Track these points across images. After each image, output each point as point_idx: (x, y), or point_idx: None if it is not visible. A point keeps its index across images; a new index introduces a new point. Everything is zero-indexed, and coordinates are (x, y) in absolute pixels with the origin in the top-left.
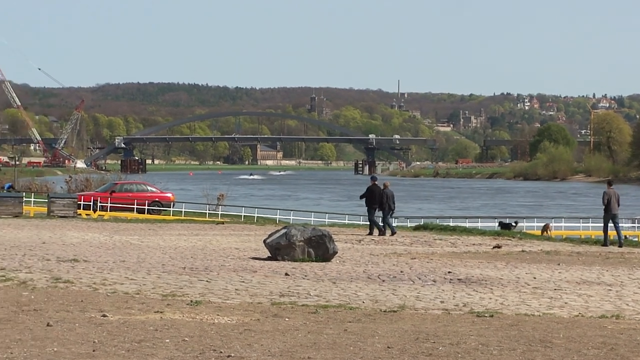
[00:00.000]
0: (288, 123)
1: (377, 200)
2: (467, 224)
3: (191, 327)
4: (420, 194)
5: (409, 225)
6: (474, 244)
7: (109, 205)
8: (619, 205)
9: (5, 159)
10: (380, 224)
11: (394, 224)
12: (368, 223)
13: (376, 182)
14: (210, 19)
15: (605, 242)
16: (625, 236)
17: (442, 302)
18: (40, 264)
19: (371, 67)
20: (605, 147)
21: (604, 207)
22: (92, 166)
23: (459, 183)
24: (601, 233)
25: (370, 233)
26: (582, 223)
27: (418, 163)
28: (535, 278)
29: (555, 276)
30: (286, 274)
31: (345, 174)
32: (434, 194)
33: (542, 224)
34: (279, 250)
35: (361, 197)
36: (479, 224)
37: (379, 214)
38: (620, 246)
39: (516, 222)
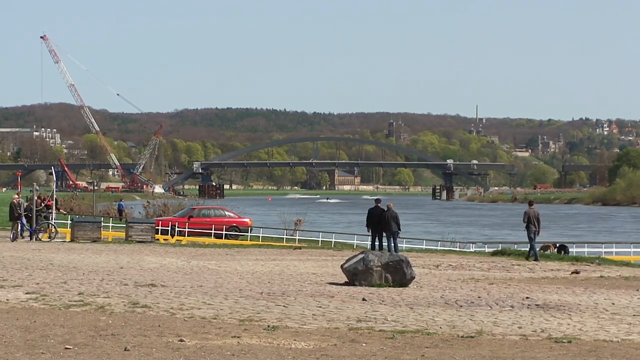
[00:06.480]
0: (366, 148)
1: (377, 221)
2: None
3: (268, 352)
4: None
5: (486, 251)
6: (552, 270)
7: (186, 230)
8: (539, 223)
9: (84, 184)
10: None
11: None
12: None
13: (379, 204)
14: (288, 45)
15: (536, 256)
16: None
17: (519, 327)
18: (118, 288)
19: (449, 92)
20: None
21: (525, 225)
22: (170, 191)
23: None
24: None
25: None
26: None
27: (496, 188)
28: (613, 304)
29: (634, 302)
30: (363, 299)
31: (423, 199)
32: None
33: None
34: (356, 275)
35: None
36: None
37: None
38: (527, 258)
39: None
